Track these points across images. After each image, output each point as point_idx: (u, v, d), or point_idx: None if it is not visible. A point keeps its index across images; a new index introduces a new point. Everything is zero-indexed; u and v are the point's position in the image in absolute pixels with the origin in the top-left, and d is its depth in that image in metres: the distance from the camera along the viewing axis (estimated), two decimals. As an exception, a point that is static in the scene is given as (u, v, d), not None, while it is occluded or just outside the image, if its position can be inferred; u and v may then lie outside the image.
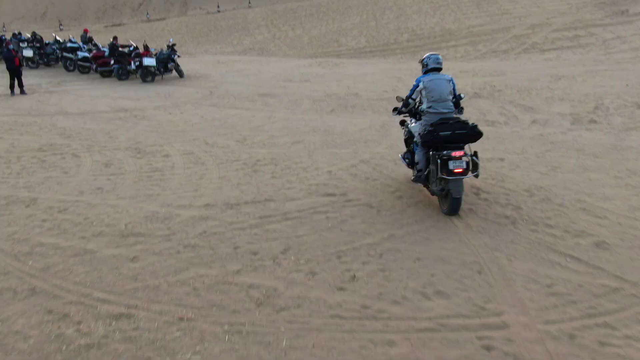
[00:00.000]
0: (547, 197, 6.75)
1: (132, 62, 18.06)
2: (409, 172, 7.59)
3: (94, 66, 19.53)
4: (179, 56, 19.01)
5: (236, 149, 9.41)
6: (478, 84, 15.01)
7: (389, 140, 9.75)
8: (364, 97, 14.06)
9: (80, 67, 20.66)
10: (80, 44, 21.83)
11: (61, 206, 6.78)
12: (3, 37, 24.76)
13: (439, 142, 6.00)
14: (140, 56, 18.00)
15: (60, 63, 22.15)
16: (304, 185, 7.36)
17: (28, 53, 22.24)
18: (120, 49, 19.01)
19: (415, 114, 6.85)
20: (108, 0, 60.08)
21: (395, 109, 7.09)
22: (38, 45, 22.82)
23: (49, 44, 22.87)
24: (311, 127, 10.97)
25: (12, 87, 15.71)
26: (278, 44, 29.81)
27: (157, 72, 18.21)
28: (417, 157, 6.55)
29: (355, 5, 33.78)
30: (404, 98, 6.86)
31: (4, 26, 46.50)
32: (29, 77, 19.23)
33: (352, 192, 7.06)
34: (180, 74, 18.86)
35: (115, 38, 19.84)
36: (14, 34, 25.60)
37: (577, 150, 8.84)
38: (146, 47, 18.87)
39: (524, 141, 9.48)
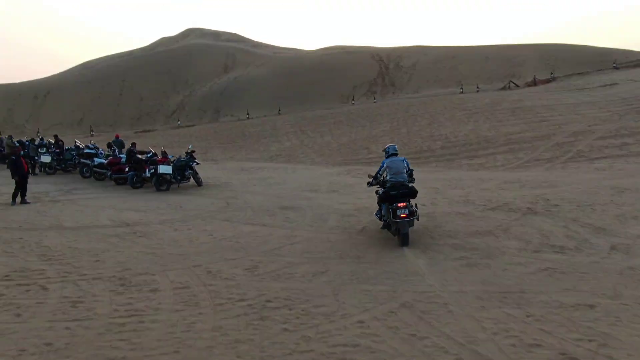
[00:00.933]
0: (685, 379, 4.54)
1: (147, 169, 16.89)
2: (467, 326, 5.64)
3: (109, 173, 18.49)
4: (197, 163, 17.82)
5: (243, 282, 7.50)
6: (529, 197, 13.04)
7: (437, 269, 7.74)
8: (399, 211, 12.20)
9: (96, 173, 19.67)
10: (100, 150, 21.05)
11: (-18, 378, 4.87)
12: (27, 143, 24.33)
13: (391, 198, 9.21)
14: (156, 163, 16.84)
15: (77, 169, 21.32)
16: (326, 347, 5.31)
17: (46, 159, 21.59)
18: (137, 155, 17.98)
19: (383, 184, 9.81)
20: (143, 108, 62.23)
21: (368, 182, 10.32)
22: (58, 150, 22.18)
23: (68, 149, 22.23)
24: (338, 251, 9.08)
25: (14, 196, 14.42)
26: (306, 150, 28.87)
27: (173, 180, 16.93)
28: (383, 211, 9.69)
29: (385, 113, 33.16)
30: (374, 175, 10.22)
31: (38, 131, 47.64)
32: (41, 184, 18.19)
33: (393, 361, 4.98)
34: (198, 182, 17.54)
35: (133, 144, 18.96)
36: (32, 139, 25.22)
37: (691, 294, 6.64)
38: (164, 154, 17.79)
39: (612, 278, 7.31)
